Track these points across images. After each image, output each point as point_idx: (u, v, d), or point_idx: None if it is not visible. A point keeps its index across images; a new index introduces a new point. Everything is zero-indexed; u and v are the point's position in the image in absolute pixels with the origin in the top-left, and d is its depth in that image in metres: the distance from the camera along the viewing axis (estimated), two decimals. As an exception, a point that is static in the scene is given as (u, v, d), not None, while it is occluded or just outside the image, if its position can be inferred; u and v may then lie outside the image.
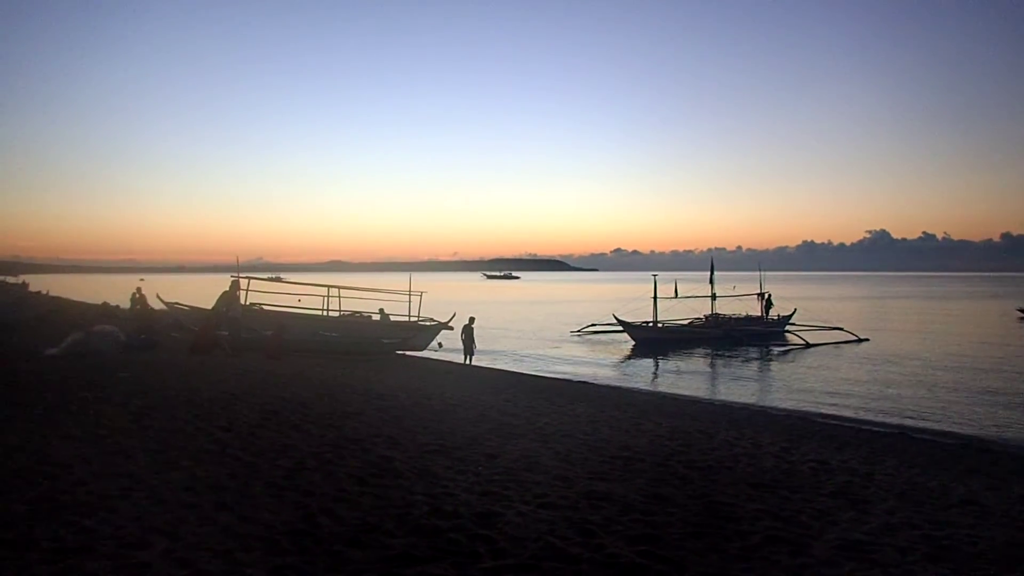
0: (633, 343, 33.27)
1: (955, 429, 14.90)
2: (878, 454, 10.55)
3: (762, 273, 39.35)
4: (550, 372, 23.77)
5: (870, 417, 16.13)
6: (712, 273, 37.45)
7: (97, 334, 17.77)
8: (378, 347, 23.56)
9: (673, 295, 35.62)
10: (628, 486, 6.87)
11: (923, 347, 31.78)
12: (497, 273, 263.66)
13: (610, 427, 10.73)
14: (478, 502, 6.07)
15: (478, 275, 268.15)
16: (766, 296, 38.35)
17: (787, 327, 36.60)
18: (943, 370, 24.32)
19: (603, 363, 27.52)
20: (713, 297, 36.69)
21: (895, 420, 15.80)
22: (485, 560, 4.82)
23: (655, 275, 36.62)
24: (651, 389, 20.10)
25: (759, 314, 37.86)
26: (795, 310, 38.66)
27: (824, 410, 16.94)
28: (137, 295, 30.32)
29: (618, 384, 20.93)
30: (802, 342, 32.84)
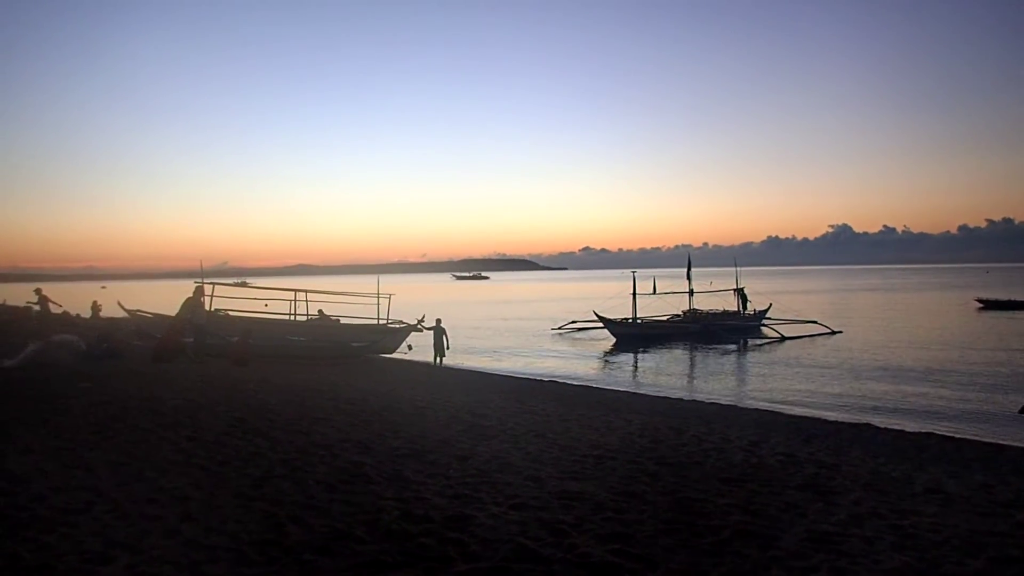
0: (613, 339, 33.55)
1: (919, 419, 15.22)
2: (844, 445, 10.72)
3: (737, 268, 39.93)
4: (522, 372, 23.79)
5: (837, 409, 16.41)
6: (689, 269, 37.88)
7: (56, 344, 17.36)
8: (347, 351, 23.36)
9: (652, 291, 36.01)
10: (599, 484, 6.88)
11: (888, 338, 32.43)
12: (467, 274, 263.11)
13: (581, 426, 10.76)
14: (449, 505, 6.03)
15: (447, 276, 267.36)
16: (742, 291, 38.87)
17: (763, 321, 37.18)
18: (907, 360, 24.85)
19: (582, 360, 27.65)
20: (690, 293, 37.13)
21: (861, 411, 16.09)
22: (457, 564, 4.78)
23: (634, 272, 37.00)
24: (621, 387, 20.21)
25: (735, 309, 38.36)
26: (770, 304, 39.29)
27: (794, 403, 17.19)
28: (95, 305, 29.68)
29: (589, 383, 21.02)
30: (778, 336, 33.40)
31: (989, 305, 50.89)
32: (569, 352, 30.44)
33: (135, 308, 27.54)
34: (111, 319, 29.12)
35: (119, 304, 28.95)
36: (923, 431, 13.31)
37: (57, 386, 12.60)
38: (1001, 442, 12.62)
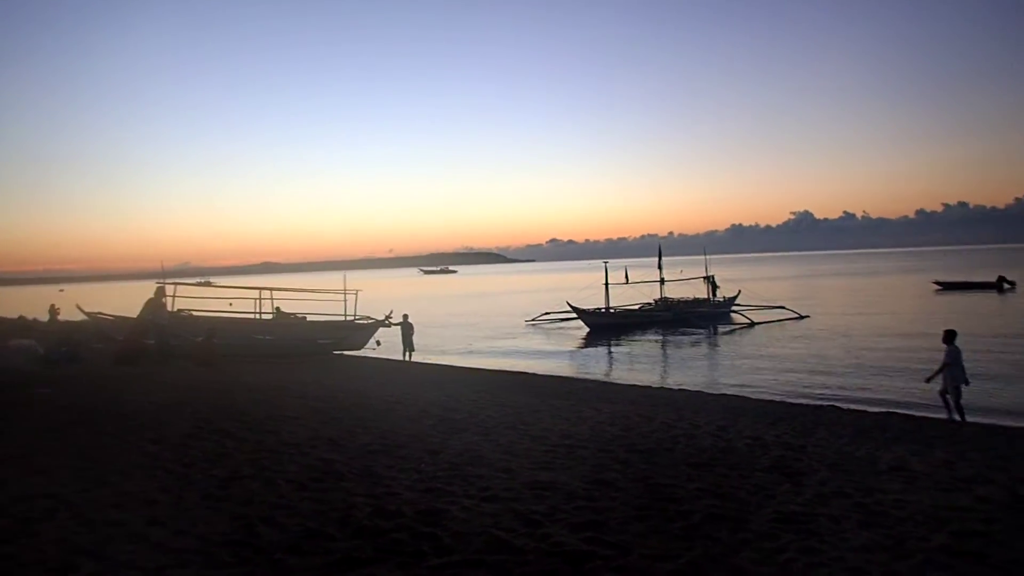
0: (587, 329, 33.74)
1: (881, 398, 15.55)
2: (809, 427, 10.91)
3: (706, 256, 40.40)
4: (493, 365, 23.76)
5: (802, 392, 16.70)
6: (660, 258, 38.22)
7: (13, 349, 16.96)
8: (314, 348, 23.13)
9: (624, 281, 36.29)
10: (571, 474, 6.91)
11: (852, 322, 33.09)
12: (434, 268, 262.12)
13: (552, 416, 10.79)
14: (421, 500, 6.00)
15: (414, 271, 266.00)
16: (711, 279, 39.32)
17: (733, 308, 37.70)
18: (870, 342, 25.37)
19: (556, 351, 27.73)
20: (662, 282, 37.47)
21: (825, 392, 16.40)
22: (430, 558, 4.76)
23: (606, 262, 37.21)
24: (593, 377, 20.31)
25: (706, 296, 38.80)
26: (739, 291, 39.85)
27: (761, 387, 17.46)
28: (52, 308, 28.91)
29: (561, 374, 21.10)
30: (747, 321, 33.92)
31: (946, 287, 52.21)
32: (543, 344, 30.53)
33: (95, 311, 26.91)
34: (70, 322, 28.39)
35: (78, 307, 28.27)
36: (886, 411, 13.59)
37: (13, 392, 12.27)
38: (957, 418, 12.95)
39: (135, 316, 22.19)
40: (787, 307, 36.59)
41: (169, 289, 23.90)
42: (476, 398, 13.12)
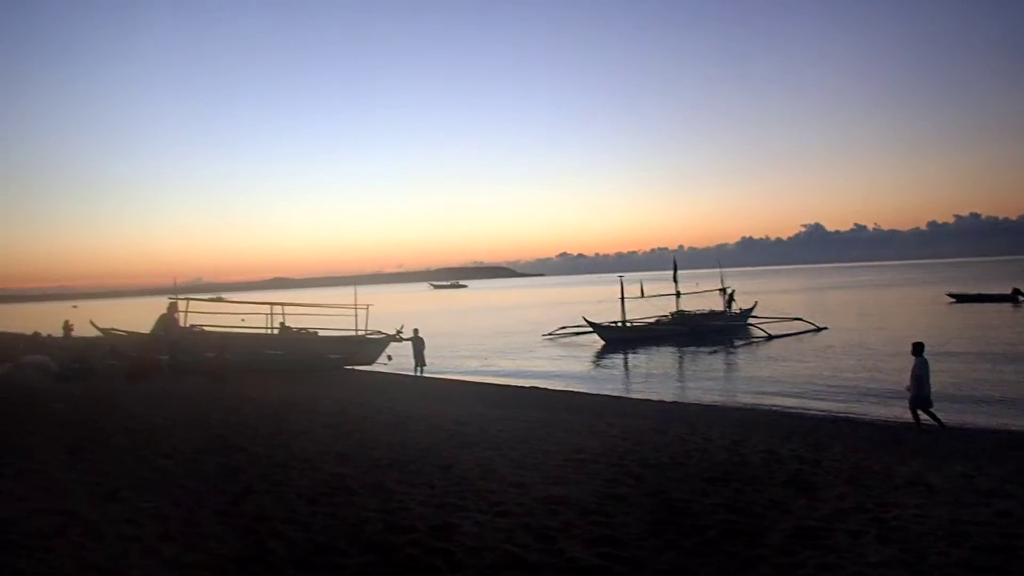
0: (603, 343, 33.61)
1: (896, 412, 15.38)
2: (825, 441, 10.80)
3: (721, 269, 40.22)
4: (505, 380, 23.68)
5: (816, 404, 16.55)
6: (675, 271, 38.05)
7: (27, 365, 17.08)
8: (325, 363, 23.16)
9: (639, 294, 36.12)
10: (584, 488, 6.85)
11: (866, 335, 32.75)
12: (444, 283, 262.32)
13: (564, 431, 10.73)
14: (433, 515, 5.96)
15: (424, 286, 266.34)
16: (728, 291, 39.09)
17: (749, 320, 37.41)
18: (885, 355, 25.12)
19: (570, 366, 27.56)
20: (677, 295, 37.25)
21: (840, 406, 16.24)
22: (443, 573, 4.72)
23: (621, 276, 37.06)
24: (606, 391, 20.17)
25: (722, 309, 38.56)
26: (756, 303, 39.56)
27: (775, 400, 17.31)
28: (66, 325, 29.16)
29: (574, 388, 20.99)
30: (764, 334, 33.63)
31: (960, 299, 51.76)
32: (557, 358, 30.38)
33: (108, 327, 27.10)
34: (84, 338, 28.58)
35: (91, 323, 28.48)
36: (902, 424, 13.44)
37: (29, 408, 12.34)
38: (975, 427, 12.82)
39: (148, 332, 22.33)
40: (804, 319, 36.22)
41: (181, 305, 24.07)
42: (488, 412, 13.08)
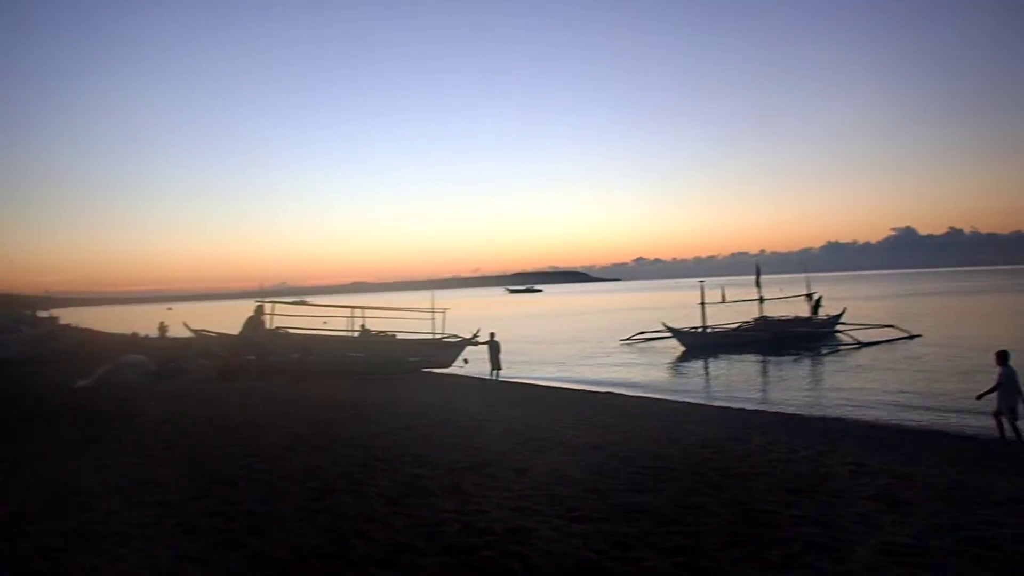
0: (683, 349, 33.02)
1: (995, 426, 14.51)
2: (917, 454, 10.31)
3: (808, 275, 38.94)
4: (580, 384, 23.58)
5: (908, 416, 15.79)
6: (758, 276, 37.10)
7: (126, 364, 18.03)
8: (404, 365, 23.58)
9: (720, 300, 35.33)
10: (661, 497, 6.75)
11: (964, 342, 31.00)
12: (519, 287, 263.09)
13: (640, 438, 10.60)
14: (510, 518, 5.99)
15: (500, 290, 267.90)
16: (815, 297, 37.84)
17: (837, 327, 36.05)
18: (982, 365, 23.69)
19: (648, 371, 27.17)
20: (761, 300, 36.25)
21: (934, 418, 15.45)
22: (520, 577, 4.74)
23: (701, 281, 36.36)
24: (686, 398, 19.78)
25: (808, 315, 37.32)
26: (844, 309, 38.04)
27: (865, 411, 16.61)
28: (161, 326, 30.70)
29: (651, 394, 20.69)
30: (853, 342, 32.32)
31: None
32: (635, 363, 29.99)
33: (200, 328, 28.36)
34: (177, 339, 30.04)
35: (184, 324, 29.90)
36: (1001, 440, 12.68)
37: (128, 405, 13.06)
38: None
39: (236, 333, 23.26)
40: (897, 326, 34.58)
41: (267, 308, 24.96)
42: (563, 417, 13.04)
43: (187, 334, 28.80)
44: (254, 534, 5.62)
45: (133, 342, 32.73)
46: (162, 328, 34.65)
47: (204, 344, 24.90)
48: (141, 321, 57.23)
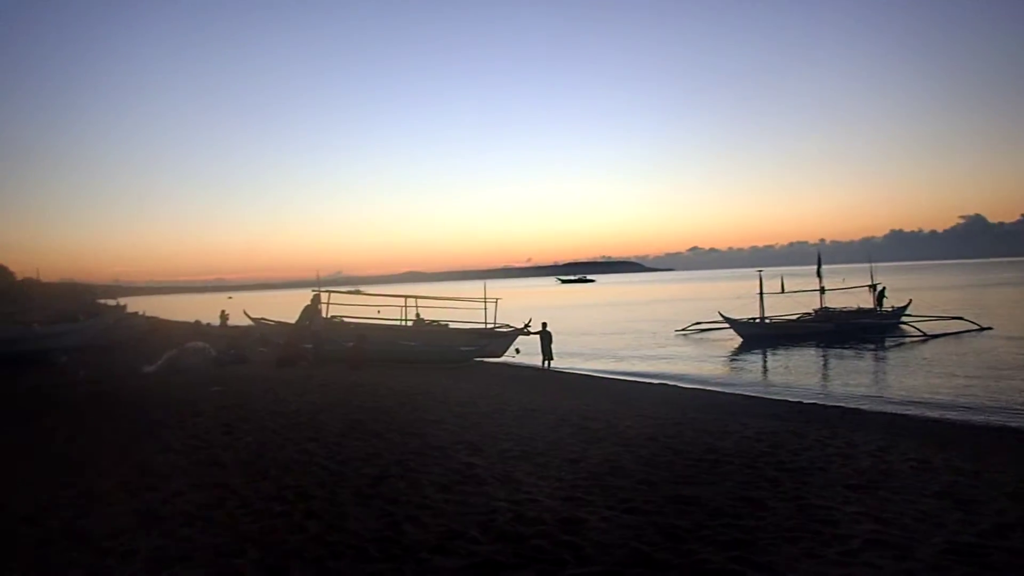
0: (740, 340, 32.49)
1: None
2: (985, 452, 9.93)
3: (872, 264, 37.87)
4: (632, 375, 23.42)
5: (975, 412, 15.23)
6: (819, 266, 36.20)
7: (190, 351, 18.66)
8: (456, 354, 23.79)
9: (780, 290, 34.57)
10: (716, 490, 6.66)
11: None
12: (571, 277, 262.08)
13: (694, 430, 10.47)
14: (561, 508, 6.00)
15: (552, 280, 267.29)
16: (879, 288, 36.75)
17: (902, 319, 34.95)
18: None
19: (704, 362, 26.80)
20: (822, 291, 35.36)
21: (1003, 416, 14.85)
22: (571, 566, 4.75)
23: (760, 271, 35.63)
24: (738, 390, 19.46)
25: (871, 307, 36.29)
26: (910, 301, 36.80)
27: (929, 405, 16.07)
28: (223, 314, 31.59)
29: (706, 385, 20.42)
30: (919, 334, 31.29)
31: None
32: (691, 354, 29.57)
33: (259, 316, 29.13)
34: (238, 327, 30.92)
35: (244, 313, 30.76)
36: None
37: (192, 390, 13.50)
38: None
39: (294, 322, 23.81)
40: (966, 318, 33.27)
41: (324, 297, 25.47)
42: (615, 408, 12.98)
43: (247, 322, 29.65)
44: (311, 517, 5.77)
45: (196, 330, 33.81)
46: (223, 316, 35.69)
47: (263, 332, 25.57)
48: (203, 310, 58.99)
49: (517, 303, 59.84)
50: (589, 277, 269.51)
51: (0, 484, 6.98)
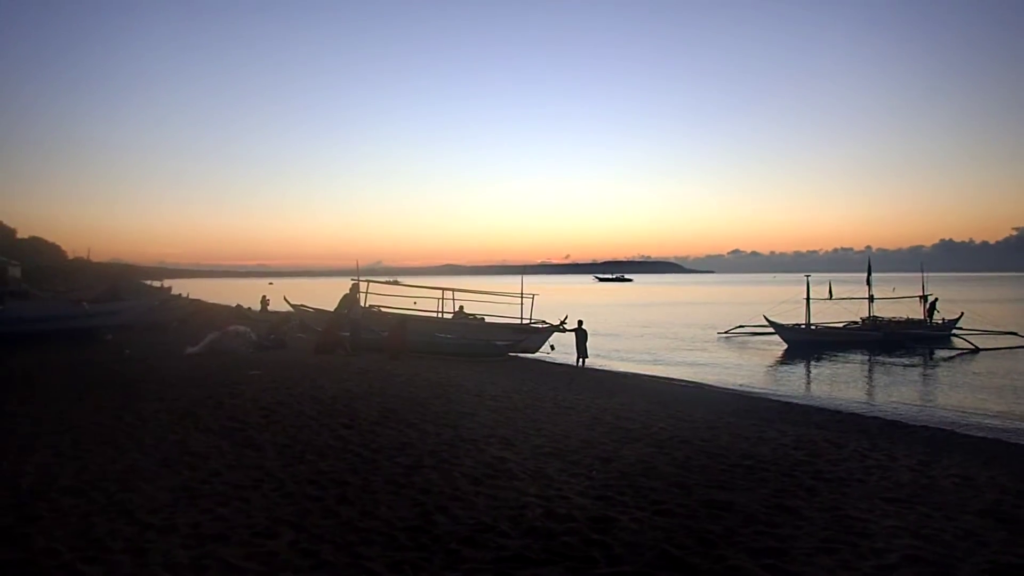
0: (785, 346, 31.98)
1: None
2: (1032, 471, 9.61)
3: (924, 274, 37.00)
4: (670, 376, 23.20)
5: (1022, 429, 14.76)
6: (869, 274, 35.49)
7: (231, 334, 18.99)
8: (491, 348, 23.85)
9: (827, 296, 34.00)
10: (750, 496, 6.57)
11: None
12: (609, 276, 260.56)
13: (730, 434, 10.34)
14: (592, 506, 5.98)
15: (590, 278, 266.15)
16: (931, 299, 35.90)
17: (953, 331, 34.08)
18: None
19: (746, 367, 26.43)
20: (871, 299, 34.65)
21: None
22: (600, 566, 4.73)
23: (807, 276, 35.03)
24: (777, 396, 19.15)
25: (921, 317, 35.45)
26: (962, 314, 35.81)
27: (978, 421, 15.63)
28: (263, 299, 32.12)
29: (746, 390, 20.15)
30: (970, 347, 30.47)
31: None
32: (733, 358, 29.17)
33: (299, 303, 29.58)
34: (278, 313, 31.43)
35: (285, 299, 31.26)
36: None
37: (232, 372, 13.76)
38: None
39: (332, 309, 24.11)
40: (1020, 333, 32.25)
41: (362, 286, 25.76)
42: (650, 409, 12.88)
43: (287, 308, 30.12)
44: (344, 503, 5.84)
45: (237, 313, 34.44)
46: (264, 302, 36.31)
47: (302, 318, 25.95)
48: (245, 294, 60.11)
49: (554, 299, 59.76)
50: (627, 276, 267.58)
51: (49, 457, 7.20)
